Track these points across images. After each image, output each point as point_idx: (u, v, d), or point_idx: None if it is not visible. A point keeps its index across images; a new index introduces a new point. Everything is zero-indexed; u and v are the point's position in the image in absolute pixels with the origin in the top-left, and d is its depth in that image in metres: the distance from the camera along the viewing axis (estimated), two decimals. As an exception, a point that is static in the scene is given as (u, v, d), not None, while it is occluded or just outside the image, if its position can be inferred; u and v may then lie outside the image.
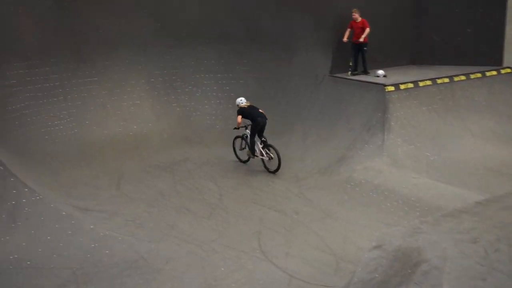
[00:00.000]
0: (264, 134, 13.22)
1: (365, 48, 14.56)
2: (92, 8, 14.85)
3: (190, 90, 16.30)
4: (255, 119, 12.96)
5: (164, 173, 13.07)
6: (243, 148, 13.75)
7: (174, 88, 16.17)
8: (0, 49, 13.22)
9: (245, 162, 13.71)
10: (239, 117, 13.09)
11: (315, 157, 13.45)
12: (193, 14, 16.16)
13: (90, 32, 14.91)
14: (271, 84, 16.26)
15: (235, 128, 13.38)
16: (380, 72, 14.58)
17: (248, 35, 16.42)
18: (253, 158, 13.35)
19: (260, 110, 13.19)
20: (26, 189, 9.60)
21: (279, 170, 12.84)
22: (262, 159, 13.17)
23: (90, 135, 14.32)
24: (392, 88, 13.33)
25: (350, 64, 14.75)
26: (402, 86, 13.53)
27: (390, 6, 16.07)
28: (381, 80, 13.94)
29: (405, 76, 14.46)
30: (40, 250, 8.96)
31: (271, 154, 12.93)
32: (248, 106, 13.18)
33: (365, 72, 14.66)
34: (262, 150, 13.10)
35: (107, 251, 9.12)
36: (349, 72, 14.72)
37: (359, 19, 14.38)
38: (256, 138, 13.20)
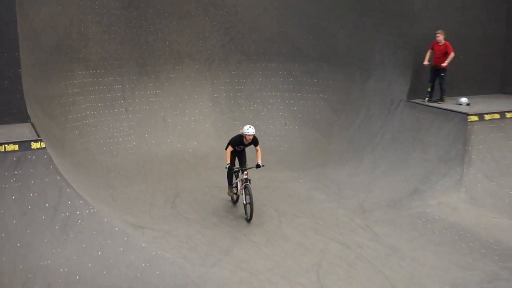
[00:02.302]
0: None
1: (442, 74, 14.30)
2: (162, 20, 15.55)
3: (255, 108, 16.64)
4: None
5: (222, 195, 13.11)
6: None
7: (238, 105, 16.57)
8: (68, 56, 14.05)
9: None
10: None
11: (384, 189, 13.33)
12: (265, 30, 16.57)
13: (156, 43, 15.61)
14: (341, 107, 16.26)
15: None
16: (463, 100, 14.40)
17: (321, 53, 16.61)
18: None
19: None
20: (81, 201, 9.81)
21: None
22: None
23: (148, 150, 14.79)
24: (475, 118, 13.12)
25: (429, 89, 14.57)
26: (487, 117, 13.32)
27: (482, 29, 15.84)
28: (463, 109, 13.77)
29: (491, 106, 14.22)
30: (90, 265, 9.23)
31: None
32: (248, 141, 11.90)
33: (441, 100, 14.43)
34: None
35: (157, 272, 9.34)
36: (426, 99, 14.57)
37: (443, 41, 14.12)
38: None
